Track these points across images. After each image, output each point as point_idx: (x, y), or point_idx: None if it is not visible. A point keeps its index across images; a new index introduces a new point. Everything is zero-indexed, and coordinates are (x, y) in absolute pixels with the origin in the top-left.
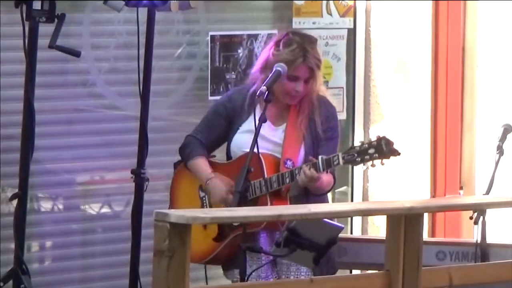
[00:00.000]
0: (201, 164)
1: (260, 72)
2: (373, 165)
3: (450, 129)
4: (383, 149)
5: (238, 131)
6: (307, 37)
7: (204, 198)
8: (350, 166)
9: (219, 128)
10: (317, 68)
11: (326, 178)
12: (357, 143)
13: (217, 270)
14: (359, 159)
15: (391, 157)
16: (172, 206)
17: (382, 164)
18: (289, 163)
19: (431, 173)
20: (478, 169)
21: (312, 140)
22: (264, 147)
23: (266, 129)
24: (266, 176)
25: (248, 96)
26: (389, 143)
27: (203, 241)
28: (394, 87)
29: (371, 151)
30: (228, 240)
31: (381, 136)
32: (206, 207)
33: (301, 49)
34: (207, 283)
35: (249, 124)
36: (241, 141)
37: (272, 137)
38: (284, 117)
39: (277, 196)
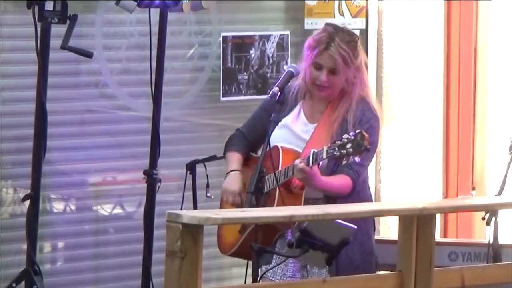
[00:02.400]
0: (231, 158)
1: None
2: (348, 160)
3: (462, 130)
4: (356, 144)
5: (277, 126)
6: (342, 30)
7: None
8: None
9: (263, 122)
10: (342, 59)
11: (337, 180)
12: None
13: (230, 271)
14: (338, 153)
15: (362, 153)
16: (220, 203)
17: (357, 159)
18: None
19: (443, 173)
20: (490, 169)
21: None
22: (292, 142)
23: (299, 125)
24: (279, 169)
25: (291, 91)
26: (363, 138)
27: (233, 233)
28: (406, 88)
29: (348, 146)
30: (249, 232)
31: (358, 131)
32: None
33: (327, 38)
34: (245, 282)
35: (286, 120)
36: (276, 135)
37: (303, 133)
38: (319, 114)
39: (287, 191)
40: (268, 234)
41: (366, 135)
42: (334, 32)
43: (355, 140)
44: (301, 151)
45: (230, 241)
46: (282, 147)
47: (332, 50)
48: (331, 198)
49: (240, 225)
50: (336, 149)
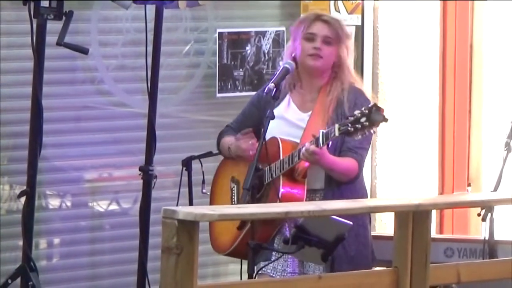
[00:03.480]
0: (226, 139)
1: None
2: (363, 134)
3: (458, 126)
4: (372, 116)
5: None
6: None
7: (233, 189)
8: None
9: (252, 117)
10: (334, 30)
11: (344, 161)
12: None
13: (226, 267)
14: (352, 128)
15: (380, 124)
16: (210, 199)
17: (374, 132)
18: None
19: (439, 170)
20: (486, 166)
21: None
22: (287, 132)
23: (293, 114)
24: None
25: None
26: (379, 110)
27: (229, 231)
28: (402, 84)
29: (363, 119)
30: (247, 228)
31: (371, 104)
32: (234, 197)
33: (314, 13)
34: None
35: (277, 111)
36: (272, 126)
37: (298, 121)
38: (312, 103)
39: (291, 179)
40: (267, 230)
41: (381, 107)
42: (318, 12)
43: (370, 113)
44: (298, 140)
45: (226, 239)
46: (281, 138)
47: (324, 18)
48: (331, 189)
49: (236, 222)
50: (349, 125)
